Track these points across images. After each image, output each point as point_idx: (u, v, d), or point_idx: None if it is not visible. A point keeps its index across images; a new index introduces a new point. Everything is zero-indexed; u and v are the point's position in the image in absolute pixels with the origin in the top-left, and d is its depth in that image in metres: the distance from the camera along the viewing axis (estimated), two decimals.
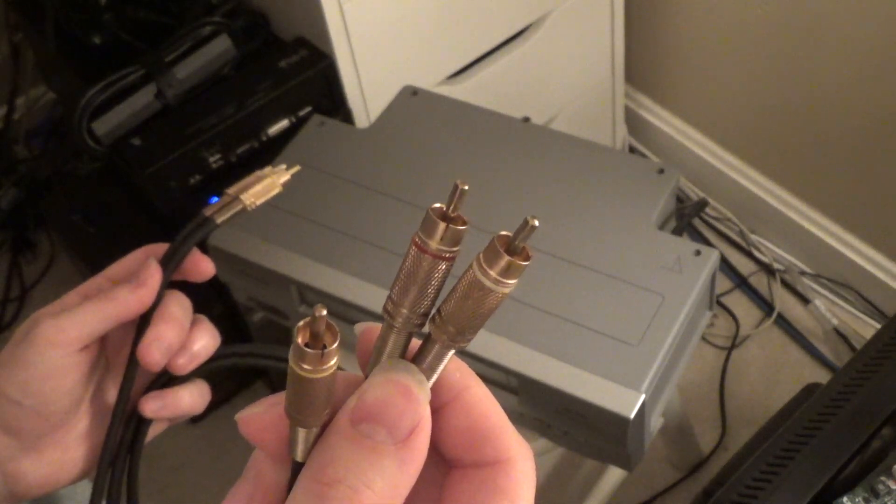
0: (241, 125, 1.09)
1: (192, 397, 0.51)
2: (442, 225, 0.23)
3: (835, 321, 1.36)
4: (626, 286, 0.81)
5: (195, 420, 1.33)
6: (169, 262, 0.50)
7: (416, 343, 0.26)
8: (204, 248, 0.51)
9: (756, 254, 1.49)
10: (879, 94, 1.20)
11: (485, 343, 0.79)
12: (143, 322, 0.49)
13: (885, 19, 1.13)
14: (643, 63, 1.52)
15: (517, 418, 0.83)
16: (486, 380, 0.80)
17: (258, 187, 0.51)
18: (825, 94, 1.27)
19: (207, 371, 0.52)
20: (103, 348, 0.50)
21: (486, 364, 0.78)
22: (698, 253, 0.82)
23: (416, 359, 0.26)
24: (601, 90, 1.47)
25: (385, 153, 0.97)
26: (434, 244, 0.24)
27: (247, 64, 1.15)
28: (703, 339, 1.40)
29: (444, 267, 0.24)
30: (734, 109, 1.45)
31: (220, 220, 0.50)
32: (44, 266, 1.63)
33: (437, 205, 0.24)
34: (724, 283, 1.46)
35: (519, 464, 0.26)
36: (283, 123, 1.12)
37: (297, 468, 0.26)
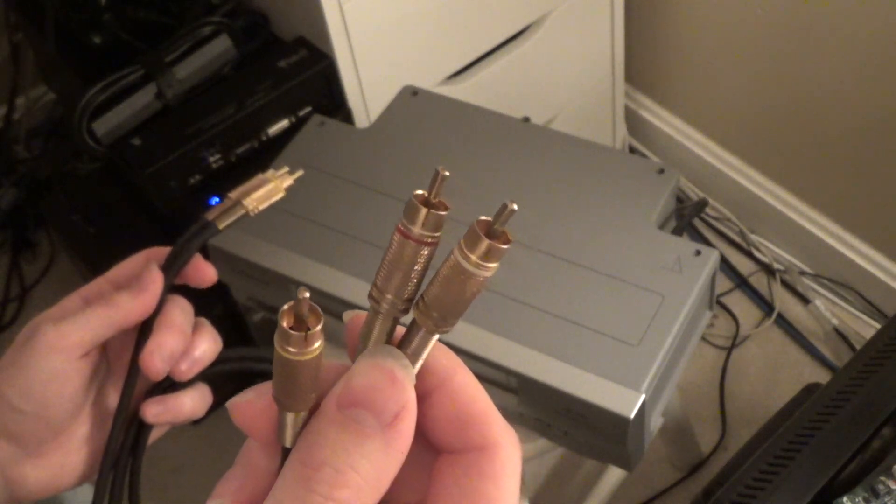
0: (241, 125, 1.09)
1: (193, 402, 0.51)
2: (423, 210, 0.24)
3: (835, 321, 1.36)
4: (626, 286, 0.81)
5: (196, 421, 1.33)
6: (171, 268, 0.50)
7: (402, 330, 0.27)
8: (204, 248, 0.51)
9: (756, 254, 1.49)
10: (879, 95, 1.20)
11: (485, 343, 0.79)
12: (144, 328, 0.49)
13: (885, 19, 1.13)
14: (643, 63, 1.52)
15: (517, 418, 0.83)
16: (487, 380, 0.80)
17: (261, 192, 0.50)
18: (825, 94, 1.27)
19: (209, 374, 0.52)
20: (104, 353, 0.50)
21: (486, 364, 0.78)
22: (698, 253, 0.82)
23: (402, 344, 0.26)
24: (601, 90, 1.47)
25: (385, 153, 0.97)
26: (416, 229, 0.24)
27: (247, 64, 1.15)
28: (703, 339, 1.40)
29: (426, 252, 0.25)
30: (734, 109, 1.45)
31: (222, 225, 0.50)
32: (44, 266, 1.63)
33: (420, 191, 0.24)
34: (724, 283, 1.46)
35: (504, 450, 0.26)
36: (283, 123, 1.12)
37: (286, 454, 0.26)
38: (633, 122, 1.60)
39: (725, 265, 1.47)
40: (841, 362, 1.33)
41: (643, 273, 0.81)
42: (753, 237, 1.50)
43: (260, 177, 0.51)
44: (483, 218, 0.24)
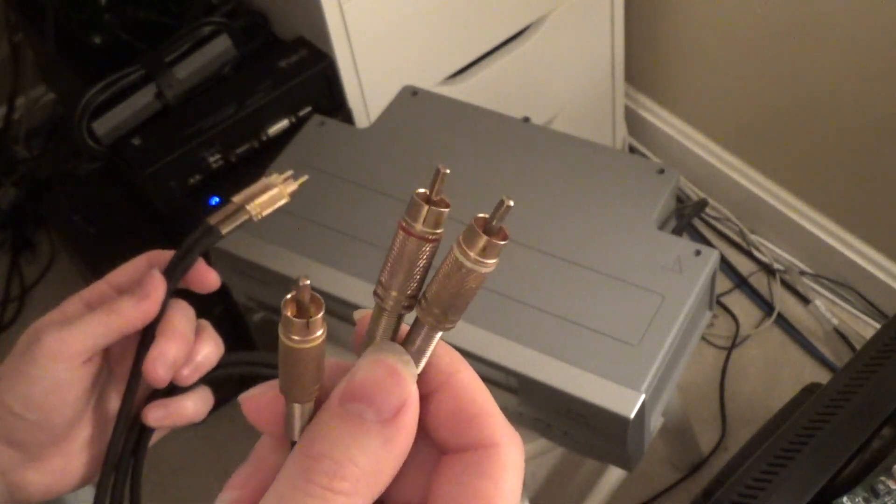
0: (241, 125, 1.09)
1: (195, 405, 0.51)
2: (425, 207, 0.25)
3: (835, 321, 1.36)
4: (626, 286, 0.81)
5: (196, 423, 1.33)
6: (173, 273, 0.49)
7: (407, 328, 0.27)
8: (205, 251, 0.50)
9: (756, 254, 1.49)
10: (879, 95, 1.20)
11: (485, 343, 0.79)
12: (146, 333, 0.49)
13: (885, 19, 1.13)
14: (643, 63, 1.52)
15: (517, 418, 0.83)
16: (487, 380, 0.80)
17: (265, 197, 0.50)
18: (825, 94, 1.27)
19: (211, 378, 0.51)
20: (106, 358, 0.50)
21: (486, 364, 0.78)
22: (698, 253, 0.82)
23: (406, 342, 0.27)
24: (601, 90, 1.47)
25: (385, 153, 0.97)
26: (418, 226, 0.25)
27: (247, 64, 1.15)
28: (703, 339, 1.40)
29: (428, 248, 0.25)
30: (734, 109, 1.45)
31: (225, 230, 0.49)
32: (44, 266, 1.63)
33: (421, 190, 0.25)
34: (724, 283, 1.46)
35: (505, 449, 0.26)
36: (283, 123, 1.12)
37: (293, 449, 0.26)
38: (633, 122, 1.60)
39: (725, 265, 1.48)
40: (841, 362, 1.33)
41: (643, 273, 0.81)
42: (753, 237, 1.50)
43: (264, 181, 0.51)
44: (481, 215, 0.25)
